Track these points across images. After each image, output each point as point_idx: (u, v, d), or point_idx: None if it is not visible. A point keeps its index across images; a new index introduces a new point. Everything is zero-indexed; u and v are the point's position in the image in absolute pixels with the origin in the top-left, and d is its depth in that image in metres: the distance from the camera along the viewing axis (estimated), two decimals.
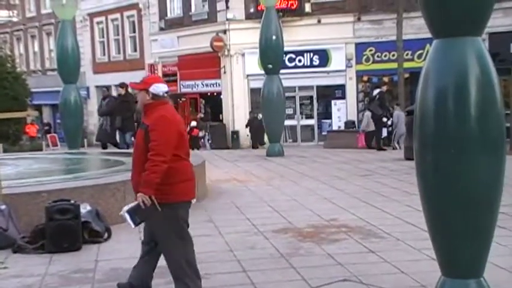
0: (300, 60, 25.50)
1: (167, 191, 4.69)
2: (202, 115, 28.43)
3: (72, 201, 6.89)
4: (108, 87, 17.81)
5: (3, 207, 6.99)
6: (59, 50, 16.85)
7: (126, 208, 4.78)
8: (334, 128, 24.91)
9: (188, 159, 4.93)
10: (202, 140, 27.36)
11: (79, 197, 7.33)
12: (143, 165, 4.66)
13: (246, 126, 25.21)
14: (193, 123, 28.29)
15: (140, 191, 4.67)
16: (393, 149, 17.91)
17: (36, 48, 41.04)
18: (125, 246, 6.82)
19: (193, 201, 5.01)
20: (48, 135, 31.98)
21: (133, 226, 4.82)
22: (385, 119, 18.80)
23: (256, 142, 23.87)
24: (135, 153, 4.90)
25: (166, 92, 4.90)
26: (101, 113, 18.15)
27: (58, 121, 34.34)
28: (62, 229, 6.62)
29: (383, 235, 7.01)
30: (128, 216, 4.75)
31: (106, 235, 7.13)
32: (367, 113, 19.67)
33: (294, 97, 25.69)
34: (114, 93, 24.00)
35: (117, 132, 17.16)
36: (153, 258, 5.03)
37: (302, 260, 6.05)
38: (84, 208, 7.15)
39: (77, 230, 6.72)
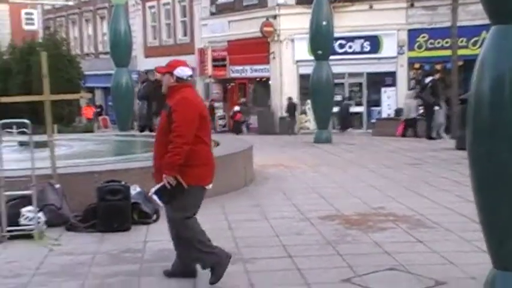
0: (350, 47, 25.23)
1: (184, 173, 4.76)
2: (244, 100, 28.50)
3: (123, 183, 7.02)
4: (147, 72, 17.68)
5: (57, 186, 7.18)
6: (112, 33, 17.13)
7: (153, 189, 4.89)
8: (384, 115, 24.60)
9: (209, 144, 4.97)
10: (242, 125, 27.73)
11: (129, 178, 7.45)
12: (166, 146, 4.73)
13: (286, 112, 25.56)
14: (237, 108, 28.66)
15: (164, 172, 4.77)
16: (429, 138, 17.42)
17: (90, 32, 41.74)
18: None
19: (209, 187, 5.03)
20: (99, 117, 32.62)
21: (161, 205, 5.00)
22: (436, 108, 18.45)
23: (291, 128, 24.33)
24: (159, 134, 4.95)
25: (191, 76, 4.99)
26: (139, 97, 18.12)
27: (110, 103, 34.93)
28: (113, 209, 6.75)
29: (431, 225, 6.92)
30: (155, 197, 4.88)
31: (155, 217, 7.24)
32: (407, 101, 19.85)
33: (343, 84, 25.47)
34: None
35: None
36: None
37: (348, 247, 6.02)
38: (134, 189, 7.28)
39: (126, 210, 6.84)
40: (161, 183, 4.80)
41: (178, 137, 4.68)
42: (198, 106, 4.87)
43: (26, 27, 52.94)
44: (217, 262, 4.89)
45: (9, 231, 6.38)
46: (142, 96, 17.41)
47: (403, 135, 19.19)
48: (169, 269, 5.15)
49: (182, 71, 4.94)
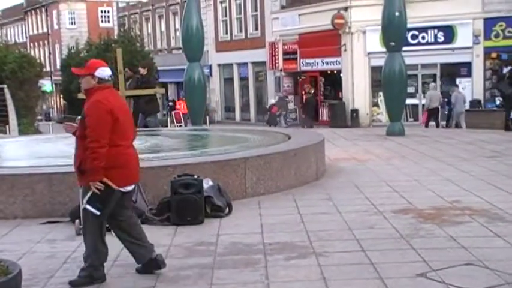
0: (423, 37, 24.71)
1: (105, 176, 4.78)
2: (311, 90, 28.44)
3: (196, 176, 7.12)
4: (131, 68, 16.57)
5: None
6: (185, 29, 17.35)
7: (84, 201, 4.86)
8: None
9: (126, 145, 4.90)
10: (278, 118, 28.11)
11: (202, 172, 7.55)
12: (85, 152, 4.74)
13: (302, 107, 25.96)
14: (272, 101, 28.93)
15: (90, 180, 4.76)
16: (507, 130, 16.90)
17: (163, 28, 42.57)
18: (245, 221, 6.96)
19: (127, 189, 4.95)
20: (173, 112, 33.19)
21: (98, 213, 4.84)
22: None
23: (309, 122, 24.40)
24: (78, 139, 4.88)
25: (111, 76, 4.92)
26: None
27: (183, 98, 35.54)
28: (186, 203, 6.85)
29: (511, 219, 6.68)
30: (90, 208, 4.82)
31: (227, 210, 7.30)
32: (430, 92, 20.92)
33: (416, 75, 24.96)
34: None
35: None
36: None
37: (423, 241, 5.90)
38: (207, 183, 7.36)
39: (200, 204, 6.93)
40: (89, 192, 4.79)
41: (92, 142, 4.68)
42: (110, 108, 4.75)
43: (102, 25, 54.54)
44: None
45: None
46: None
47: (427, 125, 20.53)
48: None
49: (103, 72, 4.87)
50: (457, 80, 24.63)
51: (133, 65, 33.32)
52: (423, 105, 23.52)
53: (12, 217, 7.28)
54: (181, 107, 31.62)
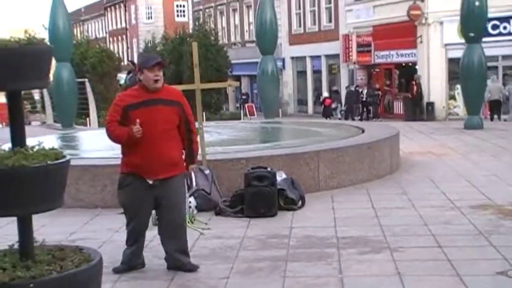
0: (505, 28, 23.82)
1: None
2: (376, 86, 28.41)
3: (269, 169, 7.14)
4: (132, 61, 16.39)
5: (207, 172, 7.44)
6: (258, 22, 17.43)
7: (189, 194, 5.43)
8: None
9: None
10: (334, 111, 29.35)
11: (275, 165, 7.57)
12: (177, 140, 4.99)
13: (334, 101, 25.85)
14: (326, 94, 28.94)
15: (195, 162, 5.25)
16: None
17: (237, 21, 42.83)
18: (318, 215, 6.94)
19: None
20: (245, 105, 33.42)
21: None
22: None
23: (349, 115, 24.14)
24: (166, 130, 4.92)
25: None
26: (124, 89, 17.04)
27: (255, 91, 35.70)
28: (260, 195, 6.89)
29: None
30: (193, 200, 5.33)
31: (300, 203, 7.30)
32: (489, 84, 20.25)
33: (496, 67, 24.12)
34: None
35: None
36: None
37: (503, 238, 5.71)
38: (280, 176, 7.37)
39: (273, 196, 6.95)
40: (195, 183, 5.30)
41: (194, 125, 5.20)
42: None
43: (178, 19, 55.48)
44: None
45: None
46: (128, 88, 16.30)
47: (491, 118, 20.30)
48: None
49: None
50: None
51: (208, 58, 33.81)
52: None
53: (92, 207, 7.54)
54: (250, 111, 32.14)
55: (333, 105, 29.28)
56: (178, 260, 5.08)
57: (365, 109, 28.51)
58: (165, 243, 5.14)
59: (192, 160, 5.20)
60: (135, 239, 5.12)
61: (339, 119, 27.41)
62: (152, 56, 5.29)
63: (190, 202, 6.88)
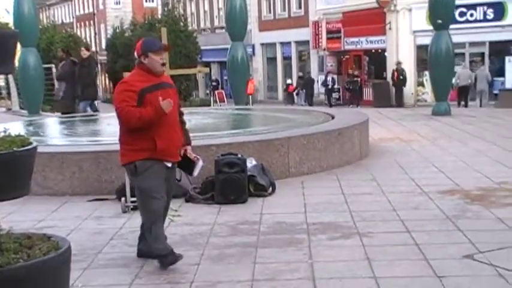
0: (471, 15, 24.10)
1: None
2: (355, 72, 28.59)
3: (239, 156, 7.14)
4: (64, 49, 15.50)
5: None
6: (228, 8, 17.34)
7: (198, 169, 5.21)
8: (508, 86, 23.35)
9: None
10: (297, 97, 29.97)
11: (245, 151, 7.57)
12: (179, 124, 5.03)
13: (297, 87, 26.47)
14: (289, 81, 30.85)
15: (191, 143, 5.18)
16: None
17: (207, 7, 42.56)
18: (288, 201, 6.97)
19: None
20: (216, 92, 33.30)
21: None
22: None
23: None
24: (175, 114, 4.92)
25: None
26: (57, 77, 15.33)
27: (225, 78, 35.59)
28: (230, 182, 6.88)
29: None
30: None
31: (270, 189, 7.32)
32: (459, 70, 21.27)
33: (463, 54, 24.41)
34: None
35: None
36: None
37: (469, 223, 5.80)
38: (250, 162, 7.38)
39: (243, 183, 6.95)
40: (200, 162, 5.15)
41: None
42: None
43: (146, 5, 54.89)
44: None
45: (132, 201, 6.66)
46: (60, 76, 14.46)
47: (458, 104, 21.29)
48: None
49: None
50: (507, 59, 23.98)
51: (177, 44, 33.58)
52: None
53: (61, 194, 7.46)
54: (250, 87, 31.30)
55: (296, 91, 29.79)
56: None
57: (332, 96, 28.79)
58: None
59: (190, 141, 5.21)
60: (160, 220, 4.96)
61: (302, 105, 27.61)
62: (156, 40, 5.21)
63: None
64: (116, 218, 6.43)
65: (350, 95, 28.45)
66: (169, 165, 4.90)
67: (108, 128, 10.04)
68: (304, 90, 29.88)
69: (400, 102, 24.40)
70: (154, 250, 4.86)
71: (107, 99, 46.62)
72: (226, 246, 5.35)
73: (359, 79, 28.23)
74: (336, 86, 29.56)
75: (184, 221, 6.21)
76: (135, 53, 4.91)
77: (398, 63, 25.08)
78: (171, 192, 5.08)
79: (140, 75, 4.82)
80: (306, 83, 29.72)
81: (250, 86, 30.38)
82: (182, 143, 5.02)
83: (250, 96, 29.13)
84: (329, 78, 29.01)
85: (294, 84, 31.50)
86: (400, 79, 24.95)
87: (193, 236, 5.69)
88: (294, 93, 30.08)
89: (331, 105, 26.70)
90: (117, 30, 43.90)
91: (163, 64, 4.89)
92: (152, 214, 4.85)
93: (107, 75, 51.53)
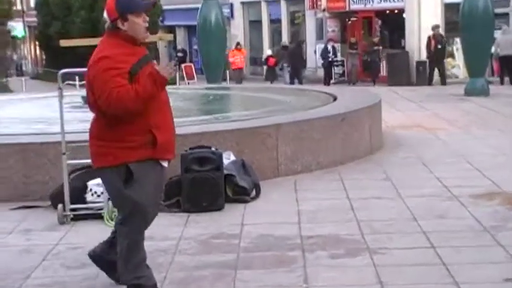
0: None
1: None
2: (375, 40, 28.38)
3: (213, 149, 7.14)
4: None
5: None
6: None
7: None
8: None
9: None
10: (281, 72, 29.14)
11: (221, 143, 7.58)
12: None
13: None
14: (269, 52, 30.22)
15: None
16: None
17: None
18: (277, 207, 7.00)
19: None
20: (182, 65, 33.21)
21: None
22: None
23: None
24: (166, 95, 4.83)
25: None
26: None
27: (195, 47, 35.49)
28: (201, 183, 6.88)
29: None
30: None
31: (254, 193, 7.33)
32: (499, 36, 21.24)
33: (507, 14, 24.54)
34: None
35: None
36: None
37: None
38: (228, 158, 7.39)
39: (218, 185, 6.96)
40: None
41: None
42: None
43: None
44: None
45: (72, 210, 6.66)
46: None
47: (501, 80, 21.53)
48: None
49: None
50: None
51: None
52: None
53: None
54: (239, 59, 30.18)
55: (280, 66, 29.20)
56: None
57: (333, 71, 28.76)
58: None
59: None
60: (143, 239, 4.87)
61: (288, 83, 27.22)
62: None
63: None
64: (49, 232, 6.41)
65: (369, 69, 27.92)
66: (166, 164, 4.78)
67: (38, 113, 10.01)
68: (288, 65, 29.01)
69: (443, 81, 23.78)
70: (130, 280, 4.73)
71: (37, 74, 46.37)
72: (196, 267, 5.37)
73: (380, 48, 27.72)
74: (338, 58, 29.56)
75: None
76: (106, 15, 4.68)
77: (436, 26, 24.07)
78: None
79: (122, 46, 4.60)
80: (293, 53, 28.88)
81: (239, 57, 30.17)
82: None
83: (238, 72, 29.04)
84: (329, 47, 29.01)
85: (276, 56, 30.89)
86: (438, 49, 24.02)
87: (153, 254, 5.67)
88: (277, 68, 29.64)
89: (329, 84, 26.73)
90: None
91: (147, 28, 4.73)
92: (140, 232, 4.77)
93: (37, 43, 51.23)
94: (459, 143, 10.07)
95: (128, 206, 4.69)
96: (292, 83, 26.71)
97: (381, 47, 27.67)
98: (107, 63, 4.50)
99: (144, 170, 4.58)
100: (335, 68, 29.42)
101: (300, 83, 26.24)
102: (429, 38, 24.35)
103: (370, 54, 27.90)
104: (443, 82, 23.00)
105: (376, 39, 28.10)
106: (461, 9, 15.94)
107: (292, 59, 28.16)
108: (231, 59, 29.13)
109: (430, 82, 23.43)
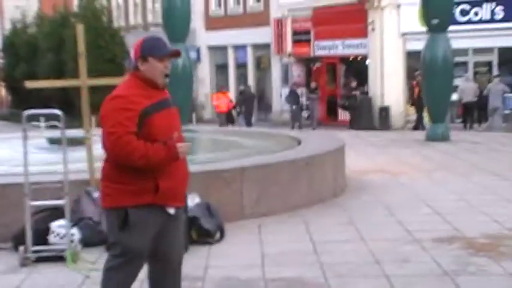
0: (476, 13, 24.70)
1: None
2: (314, 84, 28.52)
3: None
4: None
5: (96, 195, 7.32)
6: (166, 0, 17.38)
7: None
8: None
9: None
10: (238, 116, 28.69)
11: (187, 186, 7.52)
12: None
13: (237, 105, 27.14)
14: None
15: None
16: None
17: None
18: (241, 250, 6.97)
19: None
20: None
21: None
22: None
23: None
24: (180, 141, 4.71)
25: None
26: None
27: None
28: None
29: None
30: None
31: (218, 235, 7.30)
32: (462, 84, 22.50)
33: (465, 63, 24.96)
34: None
35: None
36: None
37: (473, 280, 5.89)
38: (193, 200, 7.36)
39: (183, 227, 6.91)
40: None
41: None
42: None
43: None
44: None
45: (35, 251, 6.57)
46: None
47: (464, 124, 22.50)
48: None
49: None
50: None
51: (99, 45, 33.45)
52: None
53: None
54: (220, 103, 28.64)
55: (238, 111, 28.53)
56: None
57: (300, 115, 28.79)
58: None
59: None
60: None
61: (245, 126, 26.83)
62: (164, 42, 4.77)
63: (72, 235, 6.77)
64: (11, 274, 6.31)
65: (349, 114, 27.02)
66: (172, 211, 4.64)
67: (1, 154, 9.89)
68: (241, 108, 28.49)
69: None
70: None
71: (3, 115, 45.99)
72: None
73: (358, 92, 27.11)
74: (304, 103, 29.68)
75: None
76: (132, 54, 4.66)
77: (418, 74, 23.50)
78: (176, 249, 4.81)
79: (138, 87, 4.55)
80: (247, 98, 28.57)
81: (223, 100, 29.63)
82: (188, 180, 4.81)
83: (222, 115, 28.45)
84: (299, 92, 29.14)
85: (234, 101, 30.26)
86: (421, 96, 23.29)
87: None
88: (234, 112, 28.87)
89: (300, 127, 26.66)
90: (18, 26, 43.49)
91: (167, 76, 4.64)
92: (125, 276, 4.65)
93: (3, 84, 50.91)
94: (421, 188, 10.14)
95: (118, 248, 4.58)
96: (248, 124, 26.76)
97: (358, 92, 27.32)
98: (119, 102, 4.46)
99: (140, 217, 4.47)
100: (302, 112, 29.55)
101: (249, 126, 26.17)
102: (412, 84, 24.62)
103: (348, 98, 27.52)
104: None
105: (353, 84, 27.62)
106: (422, 58, 16.18)
107: (246, 104, 28.07)
108: (215, 102, 28.85)
109: (416, 127, 23.57)
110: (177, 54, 4.71)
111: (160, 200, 4.49)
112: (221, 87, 31.28)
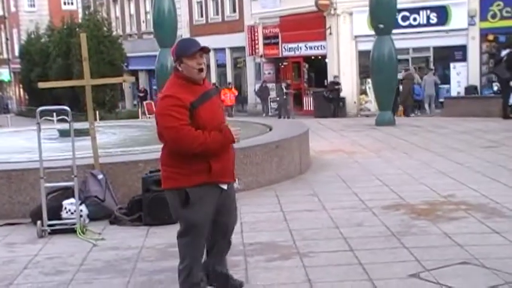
0: (415, 19, 24.81)
1: None
2: (288, 81, 28.31)
3: None
4: None
5: (100, 176, 7.29)
6: (156, 12, 17.28)
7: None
8: (453, 94, 24.13)
9: None
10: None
11: None
12: None
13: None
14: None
15: None
16: (505, 118, 16.92)
17: (133, 11, 42.24)
18: None
19: None
20: (144, 102, 33.00)
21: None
22: None
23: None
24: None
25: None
26: None
27: (154, 87, 35.34)
28: (159, 201, 6.79)
29: (509, 214, 6.73)
30: None
31: None
32: (425, 78, 22.96)
33: (407, 60, 25.07)
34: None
35: None
36: None
37: (415, 239, 5.93)
38: None
39: None
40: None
41: None
42: None
43: (65, 7, 54.09)
44: None
45: (50, 225, 6.54)
46: None
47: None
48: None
49: None
50: (451, 65, 24.81)
51: (100, 51, 33.20)
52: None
53: None
54: (228, 97, 29.01)
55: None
56: (229, 277, 4.85)
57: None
58: (217, 259, 4.83)
59: None
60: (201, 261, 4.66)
61: None
62: (192, 42, 4.68)
63: (81, 211, 6.74)
64: (30, 244, 6.26)
65: (333, 105, 25.82)
66: (225, 187, 4.57)
67: (20, 144, 9.80)
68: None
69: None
70: None
71: (21, 111, 45.55)
72: (155, 272, 5.29)
73: (340, 86, 25.98)
74: (272, 96, 29.64)
75: (109, 245, 6.10)
76: (172, 58, 4.59)
77: (406, 70, 23.99)
78: (230, 221, 4.77)
79: (181, 86, 4.43)
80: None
81: (229, 95, 29.66)
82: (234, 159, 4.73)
83: (227, 109, 28.34)
84: (270, 86, 29.07)
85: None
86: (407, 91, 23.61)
87: (118, 262, 5.59)
88: None
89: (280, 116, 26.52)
90: (32, 36, 43.05)
91: (201, 70, 4.52)
92: (198, 253, 4.58)
93: (21, 86, 50.39)
94: (372, 164, 10.17)
95: (183, 223, 4.54)
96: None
97: (341, 85, 25.96)
98: (170, 101, 4.35)
99: (200, 195, 4.40)
100: (271, 103, 29.57)
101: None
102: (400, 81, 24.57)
103: (332, 91, 25.99)
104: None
105: (337, 79, 26.18)
106: (371, 56, 16.21)
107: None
108: (222, 97, 28.69)
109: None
110: (205, 50, 4.60)
111: (213, 178, 4.41)
112: (228, 83, 31.35)
